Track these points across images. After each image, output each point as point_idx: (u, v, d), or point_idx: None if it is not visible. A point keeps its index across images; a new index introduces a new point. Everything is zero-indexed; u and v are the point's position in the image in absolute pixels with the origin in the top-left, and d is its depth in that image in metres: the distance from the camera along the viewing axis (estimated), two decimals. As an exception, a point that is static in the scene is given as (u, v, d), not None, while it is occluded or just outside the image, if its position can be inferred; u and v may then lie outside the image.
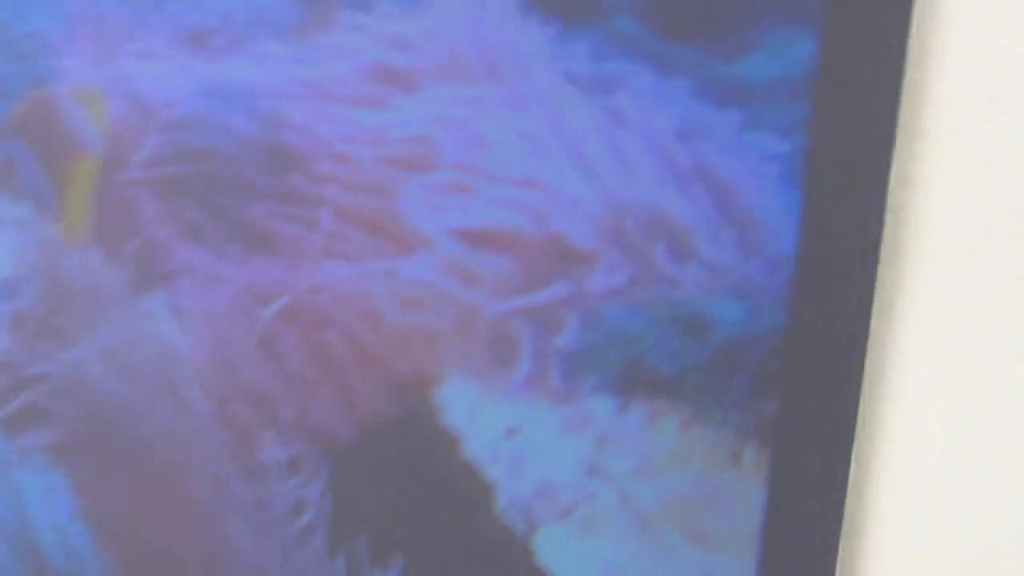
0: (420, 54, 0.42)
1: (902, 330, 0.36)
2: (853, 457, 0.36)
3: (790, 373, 0.36)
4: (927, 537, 0.37)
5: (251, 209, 0.47)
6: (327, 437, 0.47)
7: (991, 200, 0.35)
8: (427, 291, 0.43)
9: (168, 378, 0.51)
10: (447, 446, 0.44)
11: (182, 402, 0.51)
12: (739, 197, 0.37)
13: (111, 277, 0.52)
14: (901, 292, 0.36)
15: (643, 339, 0.39)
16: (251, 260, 0.48)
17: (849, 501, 0.36)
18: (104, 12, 0.51)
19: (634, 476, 0.40)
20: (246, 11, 0.47)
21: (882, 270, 0.36)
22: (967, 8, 0.34)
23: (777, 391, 0.36)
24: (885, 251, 0.36)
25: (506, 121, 0.40)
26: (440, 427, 0.44)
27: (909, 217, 0.36)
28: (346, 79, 0.44)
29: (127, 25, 0.51)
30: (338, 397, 0.46)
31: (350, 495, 0.47)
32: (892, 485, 0.37)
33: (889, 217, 0.36)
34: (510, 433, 0.43)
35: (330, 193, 0.45)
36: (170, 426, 0.52)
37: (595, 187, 0.39)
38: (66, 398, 0.55)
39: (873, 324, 0.37)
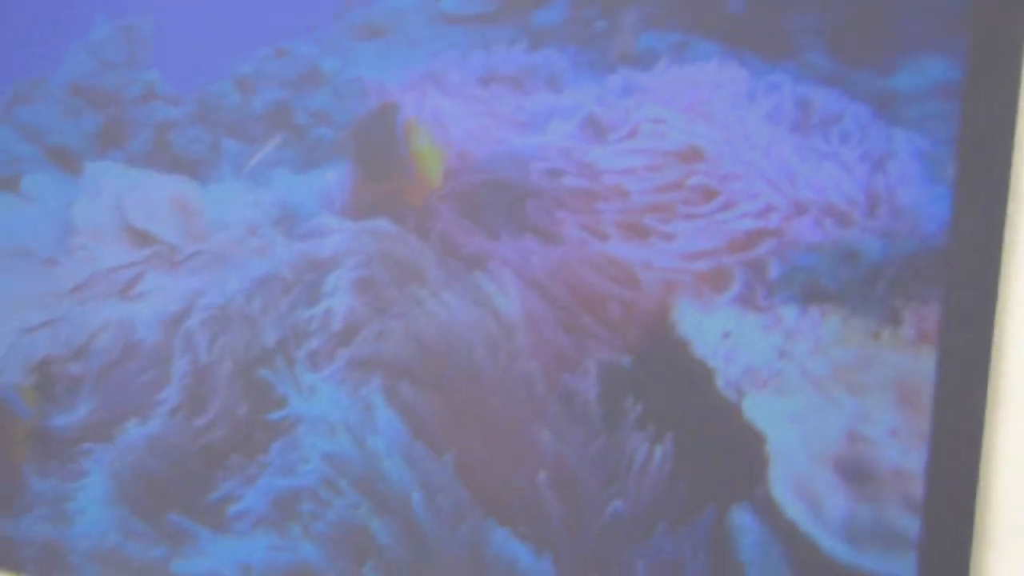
0: (673, 103, 0.74)
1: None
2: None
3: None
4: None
5: (538, 214, 0.80)
6: (606, 354, 0.78)
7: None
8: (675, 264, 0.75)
9: (488, 323, 0.83)
10: (684, 349, 0.75)
11: (501, 339, 0.83)
12: (888, 177, 0.68)
13: (442, 258, 0.85)
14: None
15: (817, 268, 0.70)
16: (540, 248, 0.81)
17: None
18: (414, 63, 0.84)
19: (810, 355, 0.70)
20: (535, 63, 0.79)
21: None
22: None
23: (909, 292, 0.67)
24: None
25: (731, 144, 0.72)
26: (678, 337, 0.75)
27: None
28: (615, 121, 0.76)
29: (434, 71, 0.84)
30: (610, 324, 0.78)
31: (625, 392, 0.78)
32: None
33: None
34: (725, 336, 0.73)
35: (602, 203, 0.77)
36: (491, 357, 0.84)
37: (790, 185, 0.70)
38: (405, 342, 0.87)
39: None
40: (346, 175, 0.93)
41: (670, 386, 0.76)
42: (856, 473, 0.69)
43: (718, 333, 0.73)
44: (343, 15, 0.92)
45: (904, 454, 0.68)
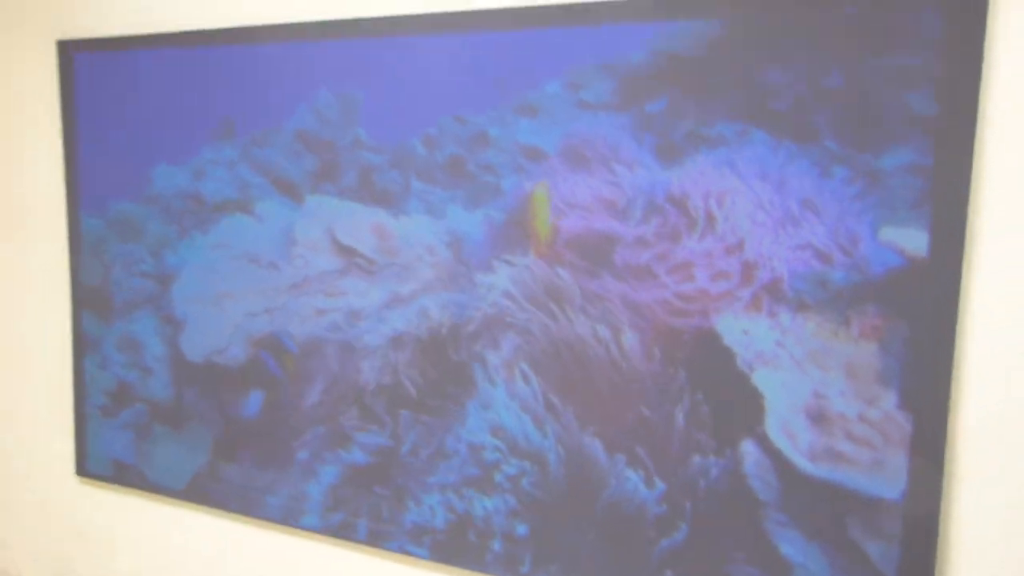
0: (713, 184, 1.35)
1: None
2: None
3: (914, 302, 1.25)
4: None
5: (628, 269, 1.41)
6: (673, 345, 1.40)
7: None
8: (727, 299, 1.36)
9: (602, 332, 1.45)
10: (717, 341, 1.35)
11: (611, 341, 1.45)
12: (855, 232, 1.27)
13: (565, 284, 1.47)
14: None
15: (804, 290, 1.28)
16: (630, 289, 1.42)
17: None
18: (556, 136, 1.46)
19: (795, 345, 1.28)
20: (635, 144, 1.41)
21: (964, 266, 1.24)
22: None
23: (856, 307, 1.25)
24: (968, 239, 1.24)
25: (756, 206, 1.32)
26: (714, 333, 1.36)
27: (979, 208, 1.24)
28: (675, 190, 1.37)
29: (568, 145, 1.46)
30: (668, 328, 1.39)
31: (681, 374, 1.39)
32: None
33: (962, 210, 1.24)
34: (744, 332, 1.33)
35: (674, 262, 1.39)
36: (604, 354, 1.46)
37: (799, 238, 1.30)
38: (536, 332, 1.50)
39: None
40: (501, 216, 1.55)
41: (707, 364, 1.37)
42: (817, 418, 1.28)
43: (740, 331, 1.33)
44: (508, 97, 1.49)
45: (847, 406, 1.26)
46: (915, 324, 1.20)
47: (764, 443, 1.28)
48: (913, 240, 1.20)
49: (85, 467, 2.07)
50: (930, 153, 1.18)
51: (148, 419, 1.94)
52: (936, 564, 1.23)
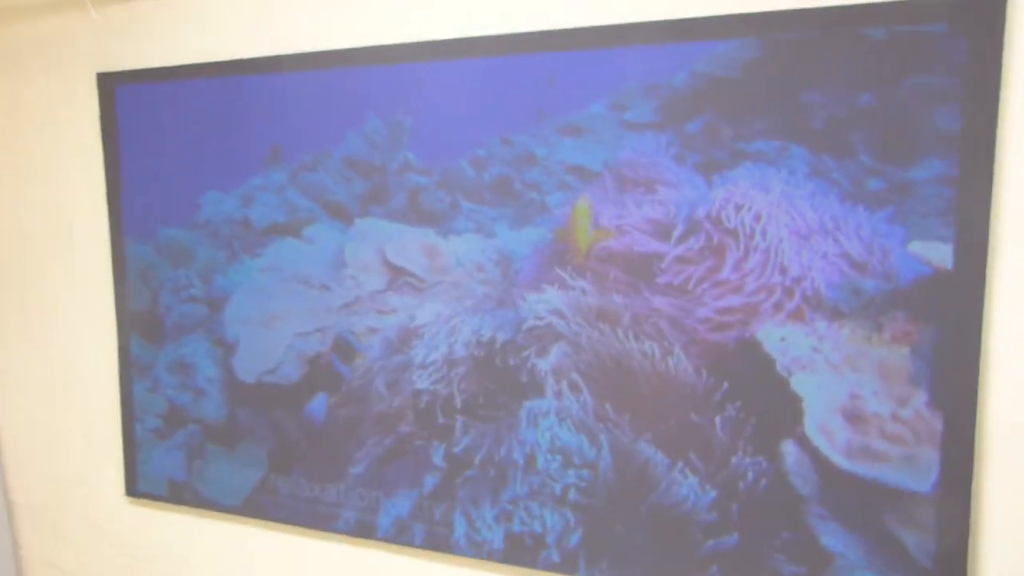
0: (761, 198, 1.50)
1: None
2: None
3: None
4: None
5: (669, 288, 1.57)
6: (717, 355, 1.55)
7: None
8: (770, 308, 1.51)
9: (648, 346, 1.61)
10: (757, 348, 1.48)
11: (658, 356, 1.60)
12: (887, 243, 1.42)
13: (611, 299, 1.62)
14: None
15: (838, 298, 1.42)
16: (663, 299, 1.57)
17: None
18: (599, 155, 1.61)
19: (831, 350, 1.42)
20: (676, 163, 1.56)
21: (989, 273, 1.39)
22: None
23: (888, 313, 1.40)
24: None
25: (794, 219, 1.47)
26: (754, 340, 1.50)
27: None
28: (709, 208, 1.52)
29: (610, 163, 1.61)
30: (712, 340, 1.54)
31: (721, 382, 1.54)
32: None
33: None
34: (782, 339, 1.47)
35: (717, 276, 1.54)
36: (648, 366, 1.61)
37: (835, 247, 1.45)
38: (584, 344, 1.65)
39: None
40: (547, 233, 1.70)
41: (747, 369, 1.51)
42: (853, 418, 1.43)
43: (778, 338, 1.48)
44: (554, 118, 1.60)
45: (880, 405, 1.39)
46: (943, 329, 1.33)
47: (803, 442, 1.42)
48: (939, 252, 1.32)
49: (136, 488, 2.19)
50: (955, 166, 1.31)
51: (202, 439, 2.06)
52: (969, 551, 1.36)
